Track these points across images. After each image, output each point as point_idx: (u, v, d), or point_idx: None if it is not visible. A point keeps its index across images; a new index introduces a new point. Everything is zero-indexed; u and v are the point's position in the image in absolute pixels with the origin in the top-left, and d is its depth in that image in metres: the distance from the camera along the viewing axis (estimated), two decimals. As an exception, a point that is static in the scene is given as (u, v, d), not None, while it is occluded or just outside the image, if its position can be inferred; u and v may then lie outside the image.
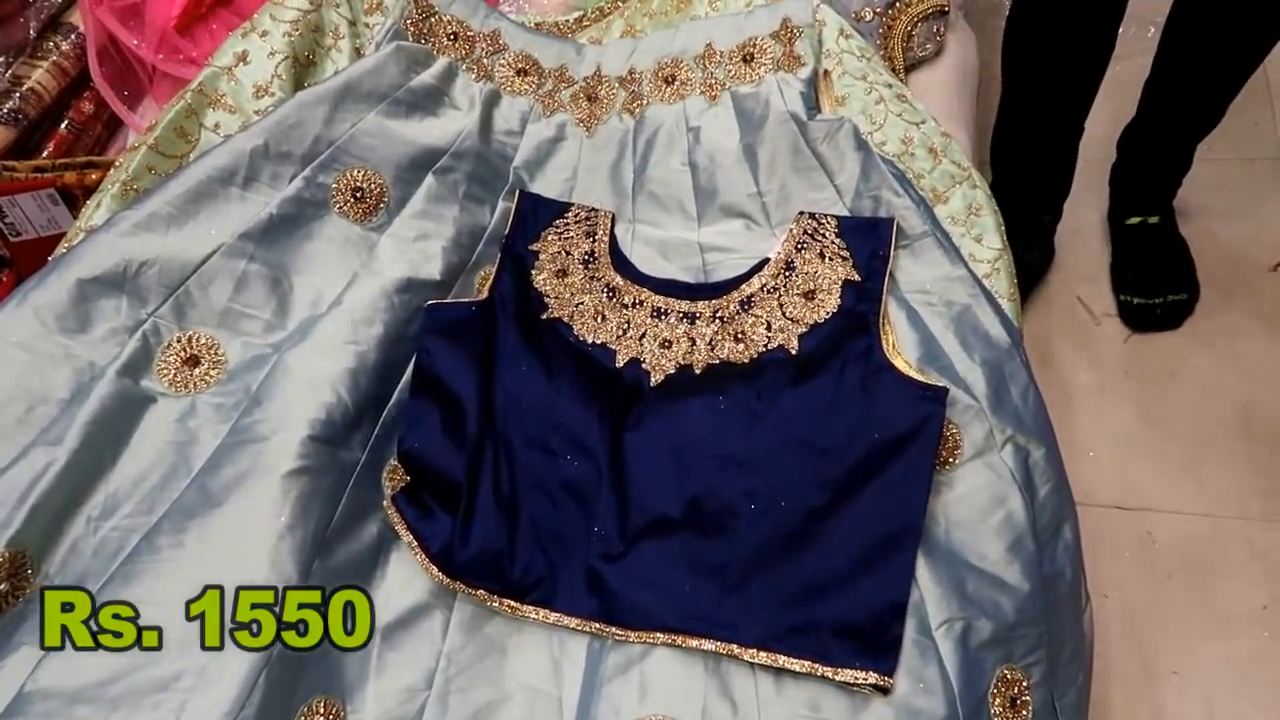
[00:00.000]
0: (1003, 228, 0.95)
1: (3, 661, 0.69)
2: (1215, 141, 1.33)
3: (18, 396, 0.75)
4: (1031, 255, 1.38)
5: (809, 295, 0.86)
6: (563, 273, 0.92)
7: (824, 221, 0.89)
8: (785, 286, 0.87)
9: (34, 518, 0.71)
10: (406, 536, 0.78)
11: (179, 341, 0.81)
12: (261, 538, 0.71)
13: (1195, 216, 1.43)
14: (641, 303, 0.89)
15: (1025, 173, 1.33)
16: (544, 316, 0.89)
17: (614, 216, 0.96)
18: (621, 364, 0.86)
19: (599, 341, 0.88)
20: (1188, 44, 1.18)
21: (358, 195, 0.89)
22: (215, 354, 0.82)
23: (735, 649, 0.70)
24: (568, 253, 0.93)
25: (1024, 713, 0.72)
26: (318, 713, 0.71)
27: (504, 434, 0.82)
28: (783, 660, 0.69)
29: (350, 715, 0.73)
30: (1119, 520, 1.22)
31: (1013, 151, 1.32)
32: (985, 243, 0.93)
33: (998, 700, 0.71)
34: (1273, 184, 1.44)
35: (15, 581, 0.71)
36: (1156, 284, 1.36)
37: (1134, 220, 1.38)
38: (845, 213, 0.90)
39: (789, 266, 0.88)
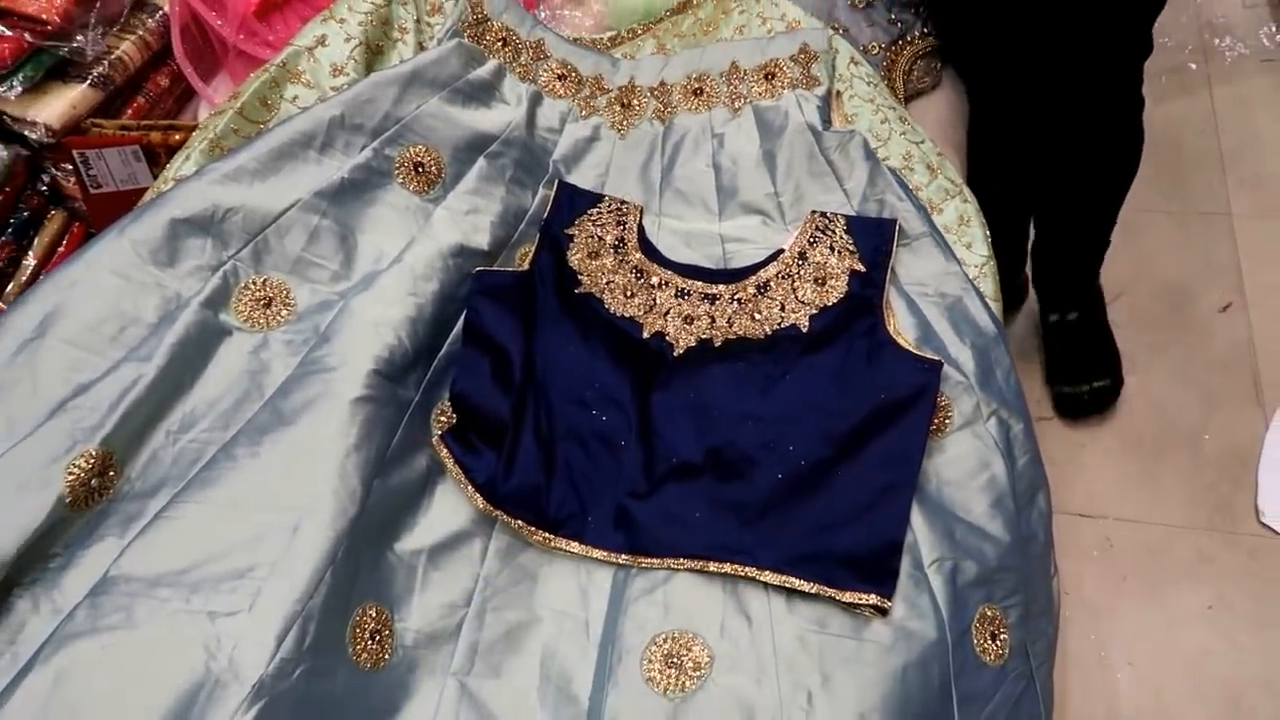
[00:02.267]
0: (989, 238, 1.06)
1: (88, 550, 0.76)
2: (1174, 197, 1.48)
3: (112, 317, 0.83)
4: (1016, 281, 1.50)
5: (819, 281, 0.96)
6: (594, 254, 1.01)
7: (834, 219, 1.00)
8: (798, 274, 0.97)
9: (123, 423, 0.78)
10: (454, 469, 0.86)
11: (255, 284, 0.89)
12: (330, 453, 0.78)
13: (1154, 262, 1.57)
14: (666, 283, 0.99)
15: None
16: (578, 291, 0.99)
17: (642, 209, 1.06)
18: (647, 336, 0.96)
19: (628, 315, 0.97)
20: (1061, 188, 1.33)
21: (418, 169, 0.98)
22: (287, 297, 0.90)
23: (752, 571, 0.79)
24: (599, 238, 1.03)
25: (1002, 648, 0.81)
26: (369, 615, 0.78)
27: (543, 387, 0.91)
28: (794, 582, 0.78)
29: (397, 622, 0.80)
30: (1080, 526, 1.32)
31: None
32: (974, 250, 1.05)
33: (979, 633, 0.80)
34: (1224, 235, 1.59)
35: (103, 480, 0.78)
36: (1080, 373, 1.45)
37: (1054, 317, 1.49)
38: (853, 213, 1.01)
39: (801, 257, 0.98)
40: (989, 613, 0.81)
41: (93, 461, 0.76)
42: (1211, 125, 1.68)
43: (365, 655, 0.77)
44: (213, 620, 0.71)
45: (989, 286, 1.03)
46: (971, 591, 0.81)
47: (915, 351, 0.89)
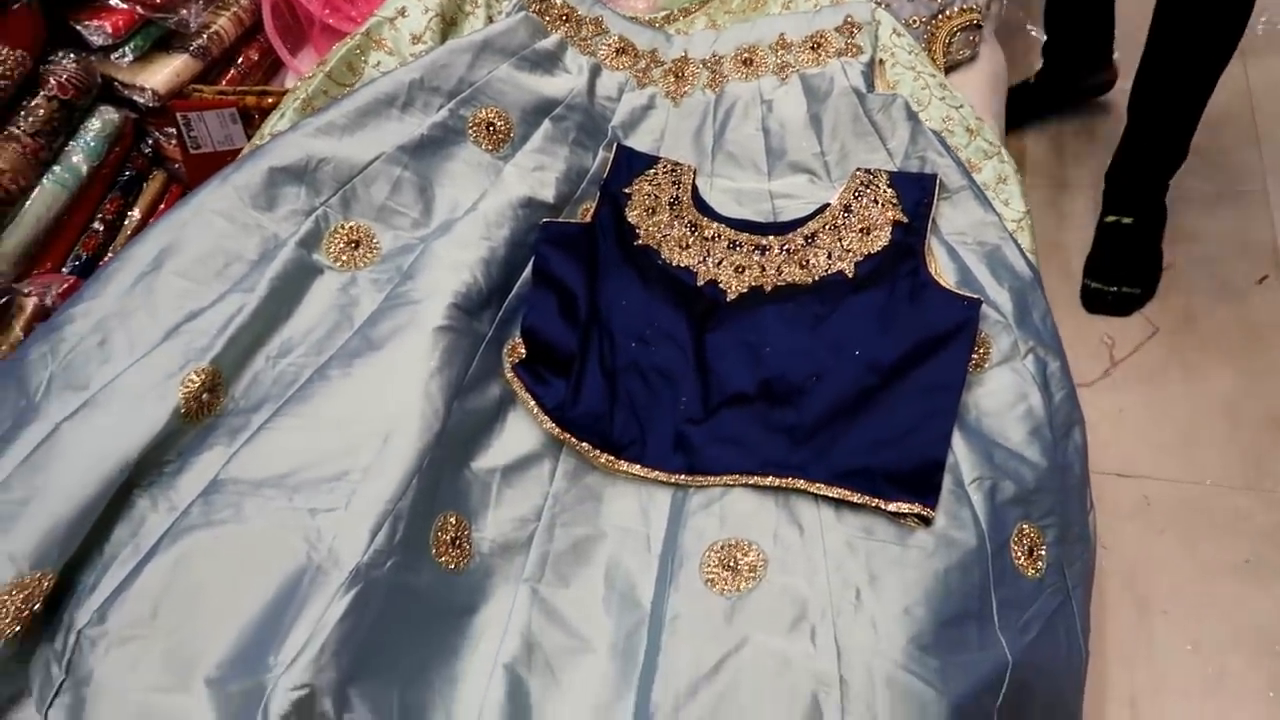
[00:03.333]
0: (1026, 195, 1.11)
1: (199, 457, 0.84)
2: (1213, 176, 1.52)
3: (218, 253, 0.91)
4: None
5: (864, 232, 1.02)
6: (651, 211, 1.08)
7: (877, 174, 1.06)
8: (843, 225, 1.03)
9: (230, 346, 0.86)
10: (525, 397, 0.93)
11: (343, 228, 0.97)
12: (416, 374, 0.86)
13: (1195, 238, 1.61)
14: (719, 236, 1.06)
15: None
16: (636, 243, 1.05)
17: (695, 170, 1.13)
18: (702, 284, 1.02)
19: (683, 265, 1.04)
20: (1162, 55, 1.39)
21: (490, 129, 1.06)
22: (372, 241, 0.98)
23: (803, 484, 0.84)
24: (656, 196, 1.10)
25: (1039, 563, 0.86)
26: (450, 522, 0.85)
27: (606, 325, 0.98)
28: (844, 493, 0.83)
29: (474, 532, 0.87)
30: (1119, 485, 1.36)
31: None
32: (1011, 206, 1.10)
33: (1018, 547, 0.85)
34: (1260, 210, 1.62)
35: (212, 395, 0.86)
36: (1114, 274, 1.55)
37: (1111, 219, 1.58)
38: (895, 170, 1.07)
39: (846, 210, 1.04)
40: (1026, 529, 0.86)
41: (203, 377, 0.84)
42: (1247, 102, 1.72)
43: (446, 558, 0.83)
44: (313, 516, 0.79)
45: (1025, 239, 1.08)
46: (1010, 509, 0.86)
47: (956, 290, 0.95)
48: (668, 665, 0.78)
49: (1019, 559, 0.85)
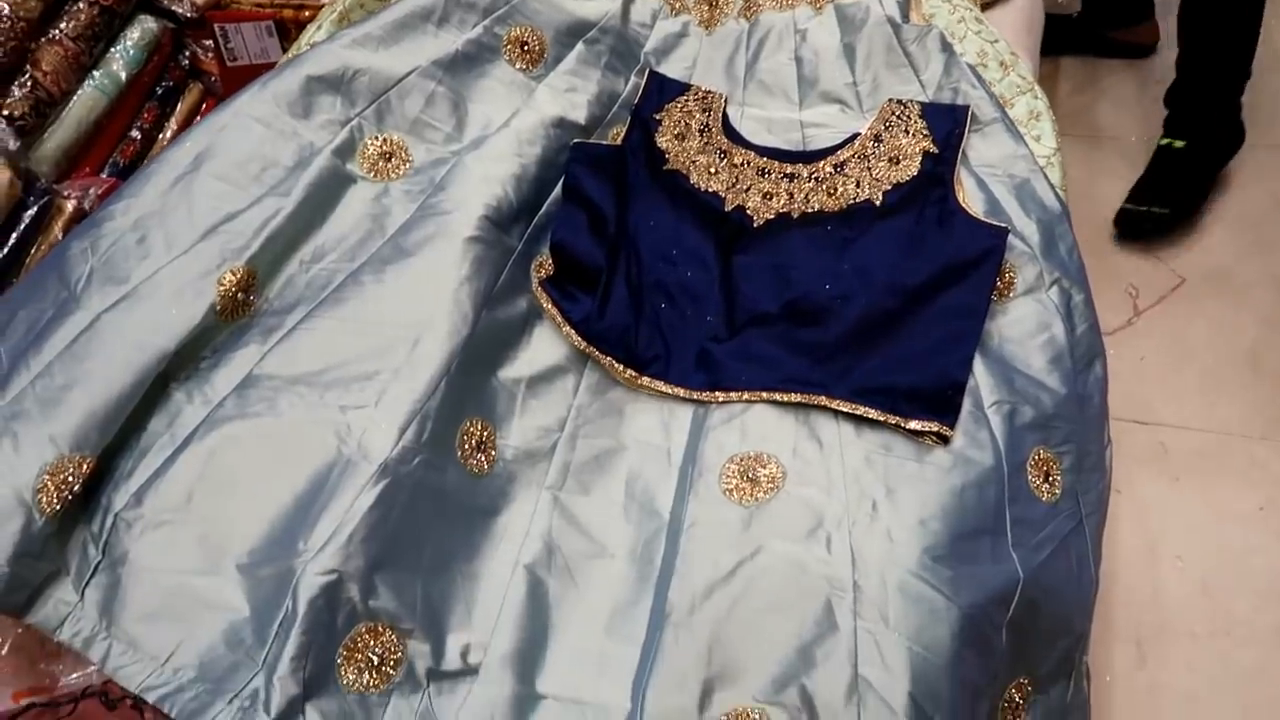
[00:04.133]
0: (1057, 132, 1.11)
1: (234, 354, 0.86)
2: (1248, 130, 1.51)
3: (255, 158, 0.93)
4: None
5: (893, 161, 1.02)
6: (681, 137, 1.09)
7: (909, 105, 1.05)
8: (873, 154, 1.03)
9: (266, 247, 0.88)
10: (551, 310, 0.94)
11: (376, 140, 0.98)
12: (446, 281, 0.87)
13: (1227, 190, 1.59)
14: (748, 163, 1.06)
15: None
16: (665, 168, 1.06)
17: (726, 98, 1.13)
18: (729, 209, 1.03)
19: (711, 190, 1.04)
20: None
21: (523, 47, 1.07)
22: (405, 153, 0.99)
23: (824, 400, 0.86)
24: (686, 123, 1.10)
25: (1055, 487, 0.87)
26: (476, 427, 0.87)
27: (634, 244, 0.99)
28: (864, 410, 0.85)
29: (499, 439, 0.89)
30: (1136, 432, 1.37)
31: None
32: (1043, 142, 1.10)
33: (1034, 471, 0.86)
34: (1293, 166, 1.61)
35: (247, 295, 0.88)
36: (1148, 195, 1.54)
37: (1164, 141, 1.57)
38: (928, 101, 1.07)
39: (877, 139, 1.04)
40: (1043, 453, 0.87)
41: (238, 276, 0.86)
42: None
43: (472, 461, 0.85)
44: (344, 412, 0.81)
45: (1055, 174, 1.08)
46: (1028, 433, 0.87)
47: (983, 219, 0.95)
48: (685, 569, 0.80)
49: (1034, 482, 0.86)
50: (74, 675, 0.80)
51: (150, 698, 0.73)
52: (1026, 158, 1.02)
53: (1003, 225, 0.94)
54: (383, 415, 0.80)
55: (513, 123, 1.00)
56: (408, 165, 0.98)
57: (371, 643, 0.76)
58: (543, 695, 0.79)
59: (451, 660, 0.79)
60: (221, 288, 0.85)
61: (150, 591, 0.76)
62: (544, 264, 0.98)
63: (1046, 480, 0.87)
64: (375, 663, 0.76)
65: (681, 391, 0.92)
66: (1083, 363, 0.95)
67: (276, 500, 0.78)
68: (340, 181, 0.95)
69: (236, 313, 0.87)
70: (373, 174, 0.97)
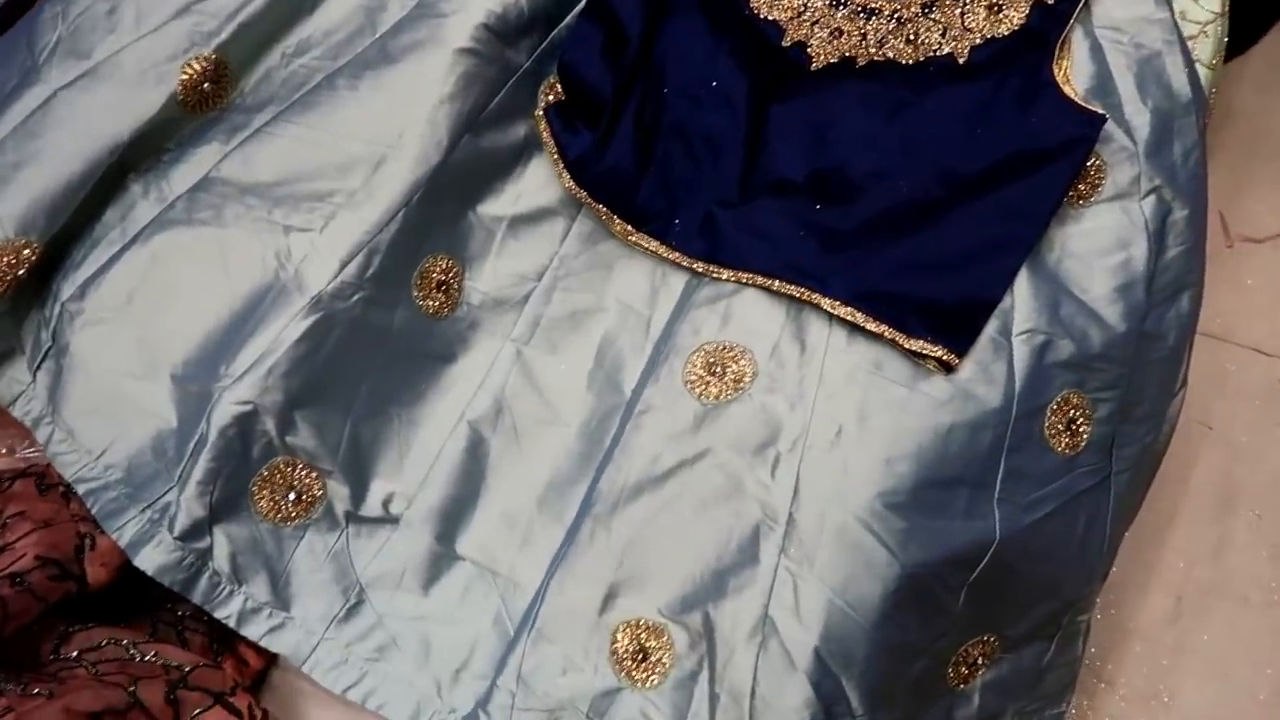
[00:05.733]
0: (1229, -9, 0.88)
1: (196, 150, 0.80)
2: None
3: (241, -75, 0.83)
4: None
5: (994, 9, 0.83)
6: (754, -54, 0.91)
7: (1034, -64, 0.84)
8: (972, -3, 0.84)
9: (240, 34, 0.80)
10: (549, 142, 0.84)
11: (386, -87, 0.86)
12: (425, 99, 0.78)
13: None
14: (824, -11, 0.89)
15: None
16: (724, -17, 0.90)
17: (820, -97, 0.93)
18: (788, 44, 0.87)
19: (772, 18, 0.88)
20: None
21: None
22: (417, -69, 0.87)
23: (817, 298, 0.74)
24: (764, -71, 0.92)
25: (1079, 439, 0.74)
26: (440, 264, 0.80)
27: (659, 75, 0.85)
28: (859, 317, 0.73)
29: (467, 280, 0.82)
30: (1252, 362, 1.17)
31: None
32: (1203, 4, 0.87)
33: (1055, 416, 0.73)
34: None
35: (217, 87, 0.81)
36: None
37: None
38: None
39: (983, -23, 0.85)
40: (1073, 399, 0.74)
41: (204, 64, 0.79)
42: None
43: (429, 302, 0.79)
44: (287, 234, 0.75)
45: (1207, 50, 0.86)
46: (1059, 372, 0.73)
47: (1078, 100, 0.77)
48: (623, 458, 0.74)
49: (1051, 430, 0.73)
50: (31, 449, 0.82)
51: (80, 489, 0.75)
52: (1165, 23, 0.81)
53: (1099, 112, 0.76)
54: (326, 243, 0.74)
55: (544, -92, 0.86)
56: (415, -50, 0.86)
57: (290, 475, 0.74)
58: (460, 556, 0.76)
59: (372, 507, 0.76)
60: (185, 75, 0.78)
61: (88, 387, 0.76)
62: (555, 86, 0.86)
63: (1069, 429, 0.74)
64: (292, 496, 0.74)
65: (678, 257, 0.81)
66: (1165, 293, 0.79)
67: (211, 315, 0.75)
68: (337, -36, 0.85)
69: (204, 105, 0.81)
70: (374, -43, 0.86)
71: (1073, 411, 0.74)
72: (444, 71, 0.78)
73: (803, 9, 0.88)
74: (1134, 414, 0.79)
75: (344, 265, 0.74)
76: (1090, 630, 0.84)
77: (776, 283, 0.75)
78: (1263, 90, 1.34)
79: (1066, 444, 0.74)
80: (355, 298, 0.74)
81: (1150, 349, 0.78)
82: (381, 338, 0.76)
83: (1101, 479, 0.77)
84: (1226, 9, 0.88)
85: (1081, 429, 0.74)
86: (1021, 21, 0.82)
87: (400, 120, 0.77)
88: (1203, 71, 0.85)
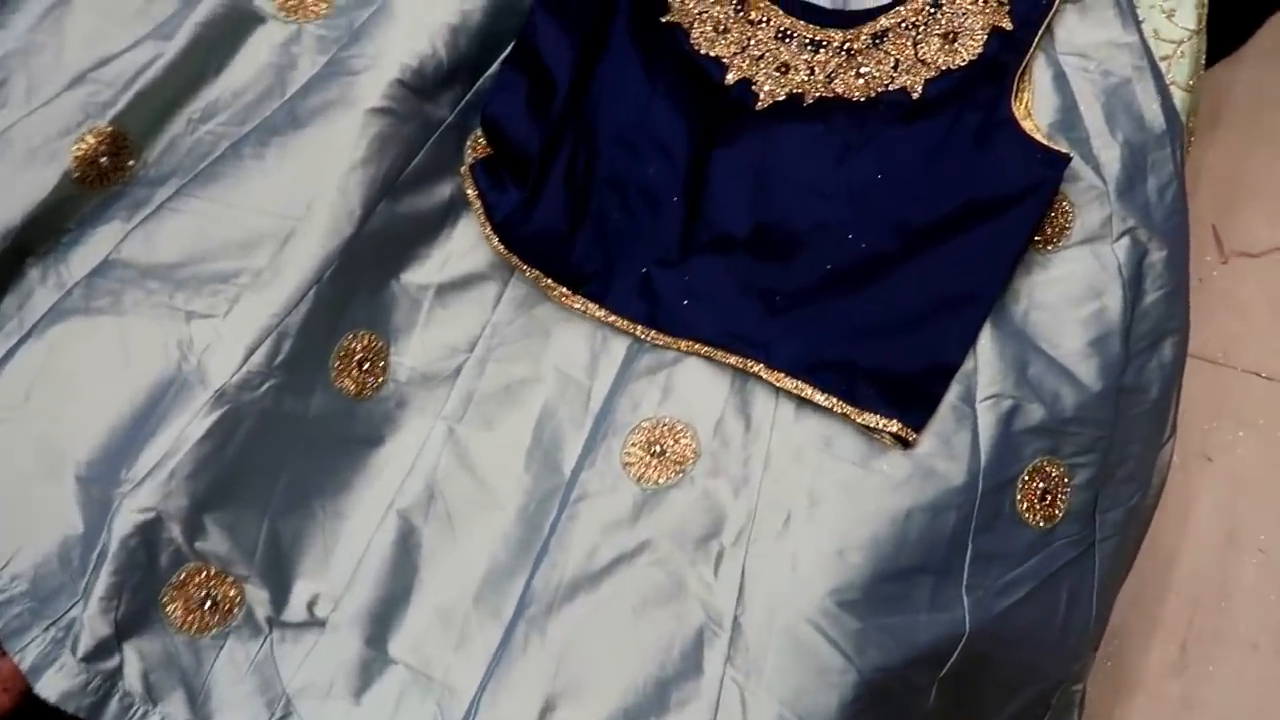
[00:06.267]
0: (1204, 9, 0.81)
1: (96, 231, 0.75)
2: None
3: (137, -11, 0.78)
4: None
5: (949, 38, 0.77)
6: (696, -23, 0.85)
7: (990, -40, 0.78)
8: (925, 24, 0.78)
9: (138, 103, 0.75)
10: (474, 202, 0.78)
11: (294, -33, 0.81)
12: (335, 166, 0.72)
13: None
14: (768, 21, 0.82)
15: None
16: (663, 19, 0.84)
17: (765, -73, 0.87)
18: (731, 81, 0.81)
19: (713, 54, 0.82)
20: None
21: None
22: (328, -16, 0.81)
23: (761, 369, 0.68)
24: (706, -42, 0.86)
25: (1056, 510, 0.68)
26: (361, 342, 0.74)
27: (591, 124, 0.79)
28: (806, 390, 0.67)
29: (392, 355, 0.76)
30: (1251, 387, 1.11)
31: None
32: (1176, 20, 0.81)
33: (1027, 488, 0.67)
34: None
35: (115, 160, 0.75)
36: None
37: None
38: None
39: (935, 4, 0.78)
40: (1048, 468, 0.68)
41: (101, 138, 0.74)
42: None
43: (349, 382, 0.74)
44: (189, 320, 0.70)
45: (1183, 71, 0.80)
46: (1029, 439, 0.67)
47: (1039, 139, 0.71)
48: (559, 552, 0.68)
49: (1024, 504, 0.67)
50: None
51: (-17, 604, 0.69)
52: (1134, 48, 0.75)
53: (1063, 152, 0.70)
54: (230, 330, 0.69)
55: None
56: (328, 4, 0.81)
57: (204, 582, 0.69)
58: (392, 660, 0.71)
59: (295, 611, 0.71)
60: (79, 151, 0.73)
61: (-9, 495, 0.70)
62: (479, 142, 0.81)
63: (1044, 501, 0.68)
64: (208, 605, 0.69)
65: (617, 320, 0.76)
66: (1144, 344, 0.73)
67: (116, 410, 0.69)
68: (244, 20, 0.79)
69: (103, 180, 0.75)
70: (284, 11, 0.80)
71: (1048, 482, 0.68)
72: (355, 135, 0.73)
73: (746, 43, 0.82)
74: (1117, 475, 0.72)
75: (250, 353, 0.68)
76: (1085, 697, 0.78)
77: (718, 353, 0.70)
78: (1255, 92, 1.27)
79: (1042, 516, 0.68)
80: (264, 387, 0.69)
81: (1131, 404, 0.72)
82: (298, 426, 0.71)
83: (1084, 549, 0.70)
84: (1203, 25, 0.81)
85: (1057, 499, 0.68)
86: (979, 51, 0.76)
87: (309, 190, 0.72)
88: (1179, 95, 0.79)
